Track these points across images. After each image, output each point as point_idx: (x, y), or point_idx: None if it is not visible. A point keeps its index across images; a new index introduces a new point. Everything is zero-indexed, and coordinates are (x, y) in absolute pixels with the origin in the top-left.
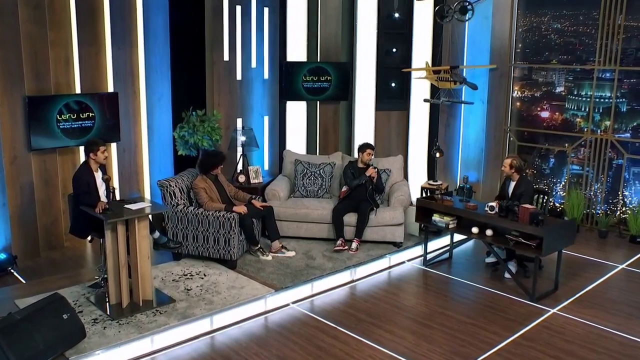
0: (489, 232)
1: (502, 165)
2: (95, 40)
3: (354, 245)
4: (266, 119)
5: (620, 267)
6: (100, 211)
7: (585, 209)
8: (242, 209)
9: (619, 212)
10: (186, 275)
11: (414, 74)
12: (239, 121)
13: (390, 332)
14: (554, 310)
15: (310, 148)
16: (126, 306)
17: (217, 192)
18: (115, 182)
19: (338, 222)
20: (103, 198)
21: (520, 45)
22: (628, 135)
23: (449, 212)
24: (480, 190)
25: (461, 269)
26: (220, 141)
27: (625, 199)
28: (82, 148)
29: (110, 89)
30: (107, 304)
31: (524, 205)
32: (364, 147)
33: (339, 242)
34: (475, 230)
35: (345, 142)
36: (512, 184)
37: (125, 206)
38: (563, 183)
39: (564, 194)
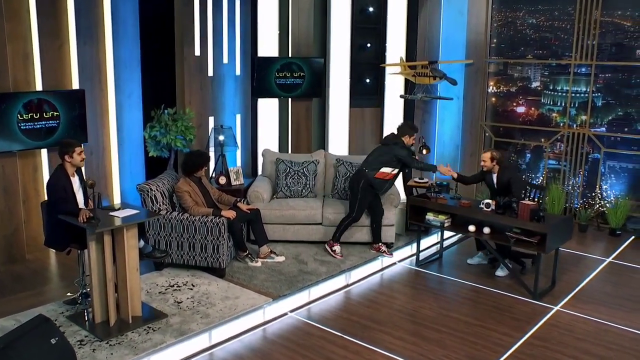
0: (486, 230)
1: (481, 161)
2: (58, 32)
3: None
4: (238, 117)
5: (608, 260)
6: (85, 220)
7: (564, 203)
8: (231, 213)
9: (597, 206)
10: (172, 286)
11: (389, 70)
12: (211, 119)
13: (400, 339)
14: (557, 308)
15: (283, 147)
16: (114, 324)
17: (201, 196)
18: None
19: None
20: (81, 205)
21: (495, 40)
22: (603, 129)
23: (443, 211)
24: (456, 186)
25: (453, 268)
26: (194, 141)
27: (604, 193)
28: (44, 151)
29: (76, 85)
30: (88, 322)
31: (524, 202)
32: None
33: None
34: (472, 228)
35: (318, 141)
36: (494, 177)
37: (111, 214)
38: (541, 178)
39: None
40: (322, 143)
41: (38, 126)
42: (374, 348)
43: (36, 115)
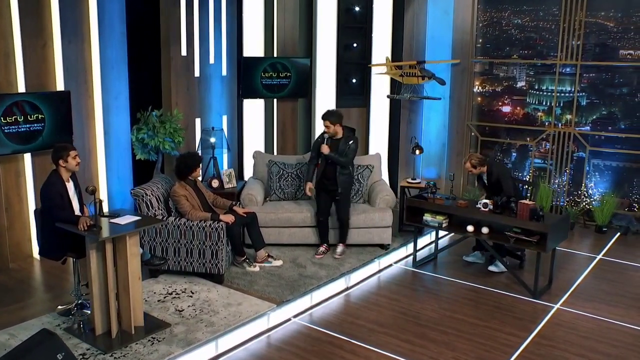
0: (485, 230)
1: (467, 170)
2: (41, 31)
3: (339, 249)
4: (225, 118)
5: (598, 257)
6: (85, 228)
7: (551, 201)
8: (229, 217)
9: (583, 204)
10: (171, 294)
11: (374, 70)
12: (198, 121)
13: (408, 342)
14: (557, 306)
15: (268, 148)
16: (115, 336)
17: (198, 200)
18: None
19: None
20: (77, 212)
21: (481, 40)
22: (588, 128)
23: (441, 211)
24: (442, 186)
25: (449, 268)
26: (182, 143)
27: (589, 190)
28: (27, 155)
29: (60, 86)
30: (85, 333)
31: (523, 202)
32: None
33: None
34: (470, 228)
35: (305, 142)
36: (485, 177)
37: (111, 221)
38: (527, 177)
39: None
40: (308, 144)
41: (22, 129)
42: (383, 352)
43: (20, 118)
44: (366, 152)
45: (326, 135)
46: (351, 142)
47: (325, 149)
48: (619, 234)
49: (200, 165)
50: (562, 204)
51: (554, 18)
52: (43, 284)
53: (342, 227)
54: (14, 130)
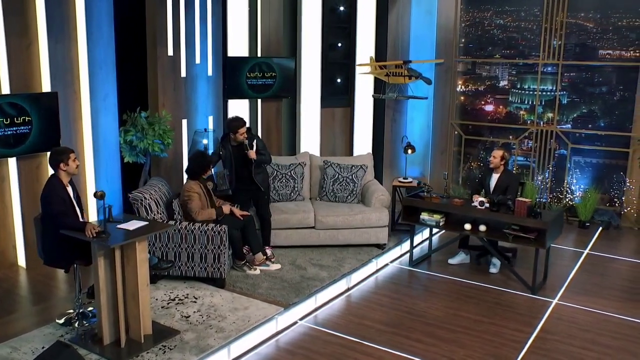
0: (482, 228)
1: (491, 157)
2: (26, 30)
3: (269, 252)
4: (210, 119)
5: (586, 252)
6: (94, 235)
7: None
8: (228, 208)
9: (566, 200)
10: (174, 300)
11: (359, 69)
12: (184, 122)
13: (419, 341)
14: (556, 301)
15: None
16: (125, 345)
17: (207, 199)
18: None
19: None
20: (79, 218)
21: (463, 40)
22: (569, 126)
23: (437, 210)
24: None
25: (444, 266)
26: (171, 145)
27: (572, 187)
28: (12, 160)
29: (46, 88)
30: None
31: (520, 199)
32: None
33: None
34: (467, 226)
35: (289, 142)
36: (495, 177)
37: (118, 226)
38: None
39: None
40: (293, 145)
41: (9, 132)
42: (396, 352)
43: (6, 121)
44: (350, 152)
45: (234, 143)
46: (257, 139)
47: (253, 154)
48: (601, 228)
49: (211, 164)
50: (544, 200)
51: (536, 19)
52: (33, 293)
53: (266, 228)
54: (0, 133)
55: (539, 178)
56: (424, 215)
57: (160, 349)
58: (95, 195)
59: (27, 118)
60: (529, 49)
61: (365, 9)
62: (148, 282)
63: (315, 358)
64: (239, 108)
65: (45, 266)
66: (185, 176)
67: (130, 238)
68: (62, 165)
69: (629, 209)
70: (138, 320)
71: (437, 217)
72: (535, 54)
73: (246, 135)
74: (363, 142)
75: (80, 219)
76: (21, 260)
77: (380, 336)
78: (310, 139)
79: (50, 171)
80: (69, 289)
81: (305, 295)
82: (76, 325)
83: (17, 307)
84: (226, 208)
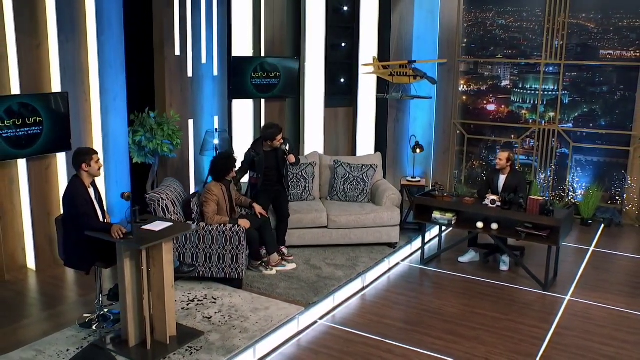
0: (494, 226)
1: (496, 159)
2: (36, 30)
3: (285, 250)
4: (216, 119)
5: (591, 249)
6: (121, 237)
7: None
8: (246, 223)
9: (569, 198)
10: (193, 300)
11: (362, 69)
12: (191, 122)
13: (439, 339)
14: (568, 297)
15: None
16: (151, 347)
17: (227, 200)
18: None
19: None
20: (101, 219)
21: (465, 40)
22: (570, 125)
23: (449, 208)
24: (430, 184)
25: (455, 264)
26: (180, 145)
27: (575, 185)
28: (22, 161)
29: (56, 88)
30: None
31: (532, 197)
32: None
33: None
34: (480, 225)
35: (293, 143)
36: (502, 178)
37: (144, 227)
38: None
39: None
40: (298, 145)
41: (20, 133)
42: (419, 350)
43: (18, 122)
44: (353, 152)
45: (268, 149)
46: (289, 141)
47: (294, 158)
48: (603, 226)
49: (235, 165)
50: (547, 198)
51: (538, 19)
52: (46, 296)
53: (283, 228)
54: (12, 134)
55: (542, 177)
56: (436, 214)
57: (187, 350)
58: (122, 196)
59: (38, 119)
60: (530, 49)
61: (368, 9)
62: (173, 283)
63: (339, 357)
64: (243, 108)
65: (55, 269)
66: (192, 177)
67: (157, 239)
68: (84, 165)
69: (630, 206)
70: (163, 322)
71: (449, 215)
72: (537, 54)
73: (282, 141)
74: (366, 142)
75: (102, 220)
76: (30, 263)
77: (402, 334)
78: (313, 139)
79: (61, 173)
80: (80, 291)
81: (324, 295)
82: (94, 327)
83: (32, 310)
84: (244, 223)
